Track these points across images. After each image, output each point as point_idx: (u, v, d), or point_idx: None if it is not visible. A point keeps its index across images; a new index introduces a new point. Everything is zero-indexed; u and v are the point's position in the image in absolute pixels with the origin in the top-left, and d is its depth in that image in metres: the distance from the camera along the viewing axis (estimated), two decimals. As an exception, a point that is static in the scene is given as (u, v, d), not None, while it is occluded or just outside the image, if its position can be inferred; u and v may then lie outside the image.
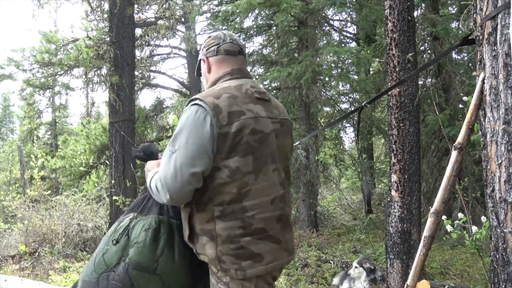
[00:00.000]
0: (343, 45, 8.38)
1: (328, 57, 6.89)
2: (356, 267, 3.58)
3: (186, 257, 1.55)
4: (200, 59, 1.73)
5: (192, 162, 1.40)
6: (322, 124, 8.48)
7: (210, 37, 1.69)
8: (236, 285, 1.46)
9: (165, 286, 1.51)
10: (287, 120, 1.66)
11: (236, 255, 1.44)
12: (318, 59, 6.99)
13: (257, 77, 8.34)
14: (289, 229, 1.60)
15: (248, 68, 8.49)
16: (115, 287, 1.49)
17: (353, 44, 10.31)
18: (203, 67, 1.70)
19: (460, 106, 6.42)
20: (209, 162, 1.43)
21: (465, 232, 2.89)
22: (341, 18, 10.75)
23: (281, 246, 1.52)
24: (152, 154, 1.87)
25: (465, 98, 2.74)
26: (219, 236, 1.45)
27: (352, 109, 8.04)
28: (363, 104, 2.44)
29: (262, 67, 8.33)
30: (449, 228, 2.83)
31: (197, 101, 1.46)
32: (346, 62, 7.22)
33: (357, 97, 8.34)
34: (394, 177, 3.94)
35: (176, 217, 1.63)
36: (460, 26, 6.10)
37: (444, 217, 2.70)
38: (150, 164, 1.69)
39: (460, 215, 2.85)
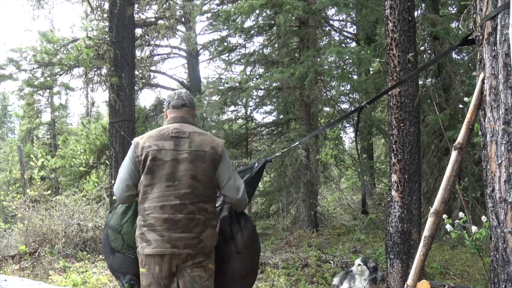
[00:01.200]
0: (343, 45, 8.38)
1: (329, 57, 6.88)
2: (359, 264, 3.57)
3: None
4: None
5: (126, 178, 2.31)
6: (322, 124, 8.48)
7: (167, 96, 2.52)
8: (140, 259, 2.26)
9: (125, 241, 2.41)
10: (201, 151, 2.28)
11: (140, 238, 2.25)
12: (318, 59, 6.98)
13: (257, 77, 8.35)
14: (180, 231, 2.20)
15: (249, 68, 8.53)
16: (103, 237, 2.52)
17: (353, 44, 10.31)
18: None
19: (460, 106, 6.42)
20: (136, 177, 2.29)
21: (465, 232, 2.89)
22: (341, 18, 10.77)
23: (163, 239, 2.18)
24: None
25: (465, 99, 2.74)
26: (138, 225, 2.30)
27: (353, 109, 8.03)
28: (362, 104, 2.45)
29: (262, 67, 8.33)
30: (449, 227, 2.83)
31: (132, 141, 2.38)
32: (346, 62, 7.21)
33: (357, 97, 8.34)
34: (394, 177, 3.94)
35: None
36: (460, 26, 6.10)
37: (444, 216, 2.69)
38: None
39: (460, 214, 2.85)
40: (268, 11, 7.42)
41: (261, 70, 8.56)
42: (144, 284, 2.26)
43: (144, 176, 2.25)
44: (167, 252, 2.17)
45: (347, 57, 6.32)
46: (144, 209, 2.25)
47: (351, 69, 7.69)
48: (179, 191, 2.21)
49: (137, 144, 2.29)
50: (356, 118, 3.72)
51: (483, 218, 2.64)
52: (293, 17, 6.98)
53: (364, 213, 2.53)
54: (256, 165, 4.03)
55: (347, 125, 9.13)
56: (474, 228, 2.71)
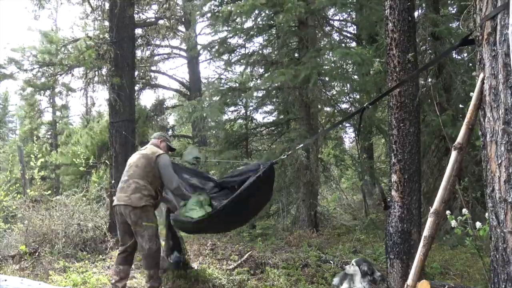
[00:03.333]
0: (343, 45, 8.37)
1: (329, 56, 6.87)
2: (352, 264, 3.61)
3: None
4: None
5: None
6: (322, 124, 8.47)
7: (166, 138, 4.43)
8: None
9: None
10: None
11: None
12: (319, 59, 6.98)
13: (257, 77, 8.34)
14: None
15: (248, 68, 8.53)
16: None
17: (353, 44, 10.30)
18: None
19: (461, 106, 6.42)
20: None
21: (467, 229, 2.86)
22: (341, 18, 10.75)
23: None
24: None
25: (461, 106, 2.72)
26: None
27: (353, 109, 8.03)
28: (365, 105, 2.44)
29: (262, 67, 8.32)
30: (453, 223, 2.78)
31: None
32: (348, 63, 7.19)
33: (358, 97, 8.33)
34: (394, 177, 3.94)
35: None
36: (460, 26, 6.09)
37: (448, 212, 2.67)
38: None
39: (464, 210, 2.81)
40: (267, 11, 7.41)
41: (261, 71, 8.55)
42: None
43: None
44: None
45: (350, 57, 6.28)
46: None
47: (351, 69, 7.67)
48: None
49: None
50: (357, 119, 3.72)
51: (478, 224, 2.60)
52: (293, 17, 6.95)
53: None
54: (261, 167, 4.04)
55: (347, 125, 9.12)
56: (478, 224, 2.66)
